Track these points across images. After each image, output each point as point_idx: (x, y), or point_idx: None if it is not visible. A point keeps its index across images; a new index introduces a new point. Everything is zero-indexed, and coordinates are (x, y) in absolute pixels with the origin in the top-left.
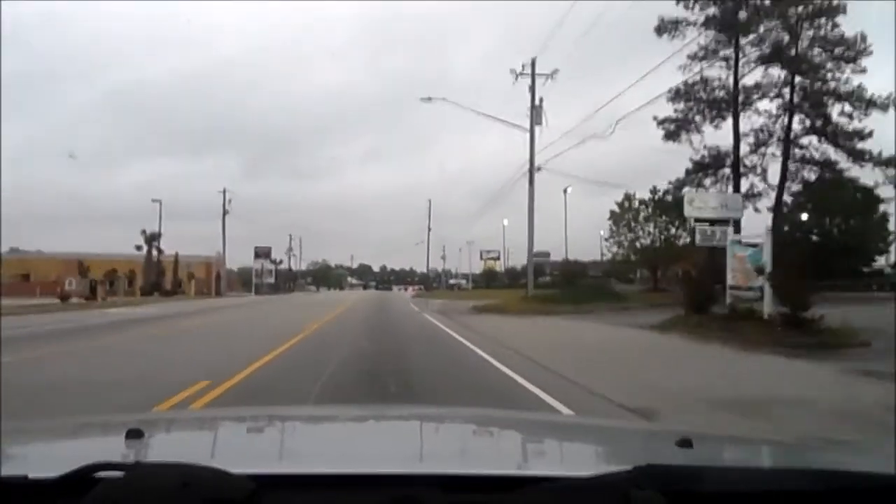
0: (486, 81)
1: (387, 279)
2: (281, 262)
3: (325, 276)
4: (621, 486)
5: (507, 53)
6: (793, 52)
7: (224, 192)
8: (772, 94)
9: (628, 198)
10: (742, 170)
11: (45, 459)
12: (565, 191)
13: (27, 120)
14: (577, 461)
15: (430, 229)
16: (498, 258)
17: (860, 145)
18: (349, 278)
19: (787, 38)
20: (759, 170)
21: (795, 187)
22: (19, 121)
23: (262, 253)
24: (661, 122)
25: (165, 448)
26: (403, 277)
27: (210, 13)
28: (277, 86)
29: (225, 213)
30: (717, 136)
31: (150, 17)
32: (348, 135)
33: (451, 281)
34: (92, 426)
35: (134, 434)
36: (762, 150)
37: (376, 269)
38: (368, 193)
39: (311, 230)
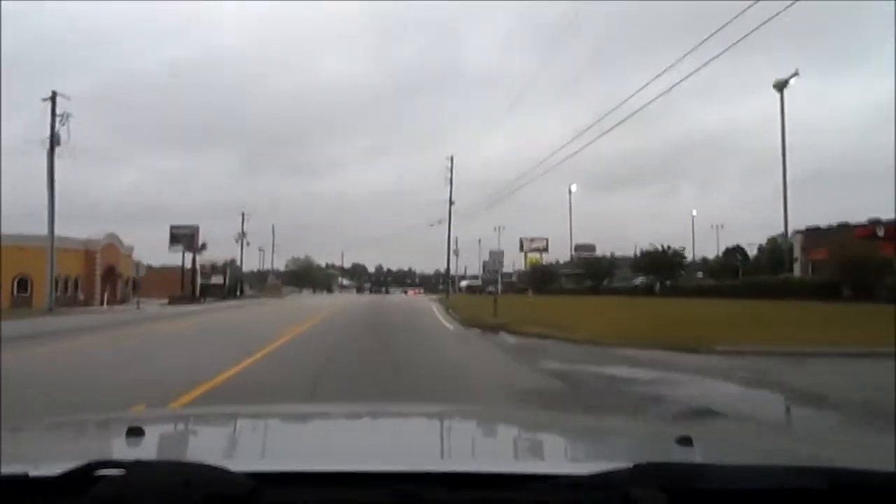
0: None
1: (383, 280)
2: (203, 246)
3: (308, 276)
4: (622, 483)
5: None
6: None
7: (53, 97)
8: None
9: None
10: None
11: (46, 457)
12: None
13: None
14: (578, 459)
15: (451, 202)
16: (545, 249)
17: None
18: (341, 279)
19: None
20: None
21: None
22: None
23: (181, 236)
24: None
25: (166, 446)
26: (402, 278)
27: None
28: (270, 80)
29: (54, 144)
30: None
31: (144, 6)
32: (346, 131)
33: (465, 283)
34: (92, 424)
35: (134, 432)
36: None
37: (371, 269)
38: (366, 191)
39: (304, 228)
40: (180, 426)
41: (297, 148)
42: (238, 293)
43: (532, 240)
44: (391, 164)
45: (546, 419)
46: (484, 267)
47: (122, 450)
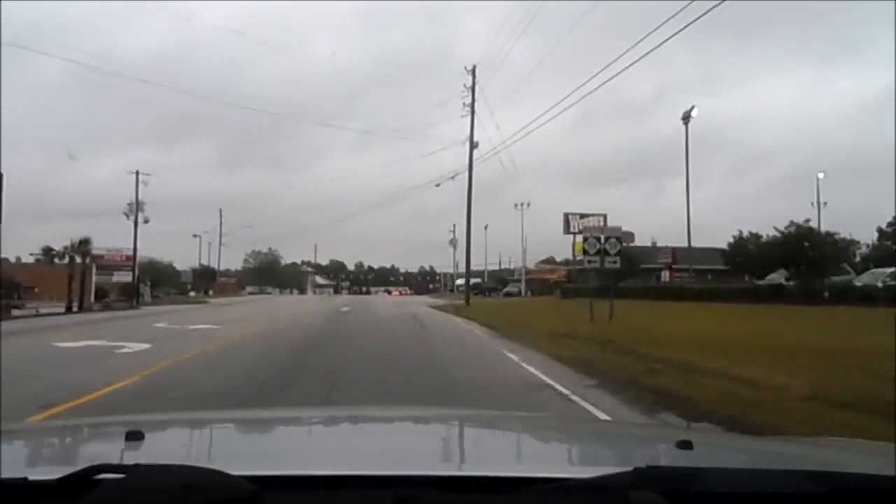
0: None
1: (364, 279)
2: None
3: (270, 273)
4: (622, 487)
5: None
6: None
7: None
8: None
9: None
10: None
11: (45, 461)
12: None
13: None
14: (578, 462)
15: (473, 143)
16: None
17: None
18: (316, 277)
19: None
20: None
21: None
22: None
23: None
24: None
25: (165, 450)
26: (384, 276)
27: None
28: (240, 68)
29: None
30: None
31: None
32: (329, 120)
33: (460, 282)
34: (91, 428)
35: (134, 436)
36: None
37: (351, 266)
38: (347, 185)
39: (278, 224)
40: (180, 430)
41: (271, 138)
42: (136, 299)
43: (583, 216)
44: (372, 156)
45: (546, 423)
46: (585, 244)
47: (122, 453)
